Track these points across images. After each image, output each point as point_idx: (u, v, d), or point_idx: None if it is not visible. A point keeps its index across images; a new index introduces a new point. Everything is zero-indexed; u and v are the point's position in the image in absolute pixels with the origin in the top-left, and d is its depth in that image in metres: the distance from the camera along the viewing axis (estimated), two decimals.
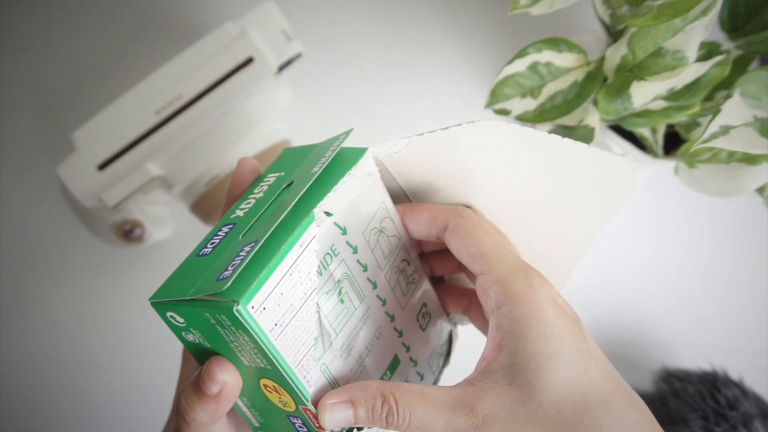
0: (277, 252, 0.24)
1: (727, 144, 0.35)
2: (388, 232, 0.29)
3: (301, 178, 0.27)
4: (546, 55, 0.41)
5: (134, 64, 0.55)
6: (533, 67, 0.41)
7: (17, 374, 0.54)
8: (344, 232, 0.27)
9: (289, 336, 0.24)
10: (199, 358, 0.26)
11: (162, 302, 0.24)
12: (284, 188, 0.27)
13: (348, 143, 0.29)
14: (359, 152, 0.28)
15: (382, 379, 0.29)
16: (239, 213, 0.27)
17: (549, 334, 0.24)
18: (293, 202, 0.25)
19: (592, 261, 0.56)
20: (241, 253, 0.23)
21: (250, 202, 0.27)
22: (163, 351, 0.54)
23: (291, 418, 0.26)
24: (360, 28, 0.57)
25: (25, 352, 0.54)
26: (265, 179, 0.29)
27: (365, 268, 0.28)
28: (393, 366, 0.30)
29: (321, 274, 0.26)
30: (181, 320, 0.24)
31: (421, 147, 0.29)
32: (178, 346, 0.54)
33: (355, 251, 0.28)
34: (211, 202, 0.47)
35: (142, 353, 0.54)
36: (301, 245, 0.24)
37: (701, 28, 0.37)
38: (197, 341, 0.25)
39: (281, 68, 0.47)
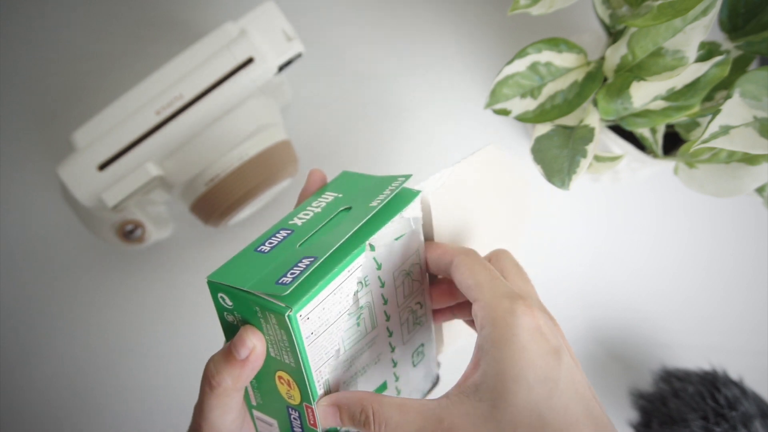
0: (330, 272, 0.27)
1: (727, 144, 0.35)
2: (413, 276, 0.32)
3: (360, 208, 0.30)
4: (546, 55, 0.41)
5: (134, 64, 0.55)
6: (533, 67, 0.41)
7: (17, 373, 0.54)
8: (379, 267, 0.30)
9: (319, 345, 0.28)
10: (231, 336, 0.29)
11: (219, 284, 0.27)
12: (341, 210, 0.30)
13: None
14: (412, 195, 0.31)
15: None
16: (297, 221, 0.30)
17: (518, 358, 0.26)
18: (352, 231, 0.28)
19: (592, 261, 0.56)
20: (300, 265, 0.27)
21: (308, 214, 0.31)
22: (163, 350, 0.54)
23: (290, 409, 0.29)
24: (360, 28, 0.57)
25: (25, 351, 0.54)
26: (323, 195, 0.32)
27: (385, 302, 0.31)
28: (380, 390, 0.33)
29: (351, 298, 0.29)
30: (230, 303, 0.28)
31: (459, 177, 0.32)
32: (179, 346, 0.54)
33: (383, 285, 0.30)
34: (211, 202, 0.47)
35: (141, 353, 0.54)
36: (349, 271, 0.28)
37: (701, 28, 0.37)
38: (236, 323, 0.28)
39: (281, 68, 0.47)
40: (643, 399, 0.52)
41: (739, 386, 0.48)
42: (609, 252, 0.56)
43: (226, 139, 0.46)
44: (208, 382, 0.28)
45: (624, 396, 0.54)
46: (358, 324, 0.30)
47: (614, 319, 0.56)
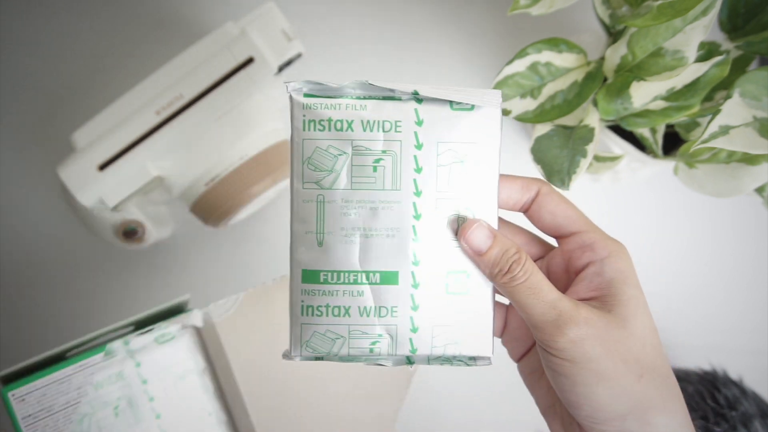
0: (56, 364, 0.34)
1: (727, 144, 0.35)
2: (468, 164, 0.29)
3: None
4: (546, 56, 0.41)
5: (134, 64, 0.55)
6: (533, 67, 0.41)
7: None
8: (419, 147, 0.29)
9: (40, 430, 0.33)
10: None
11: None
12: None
13: None
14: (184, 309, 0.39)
15: (366, 272, 0.29)
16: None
17: (640, 288, 0.29)
18: (95, 334, 0.36)
19: None
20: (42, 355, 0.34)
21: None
22: None
23: None
24: (360, 28, 0.57)
25: (25, 351, 0.54)
26: None
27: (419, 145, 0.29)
28: (387, 278, 0.29)
29: None
30: None
31: (252, 300, 0.38)
32: None
33: (420, 146, 0.29)
34: (211, 202, 0.47)
35: None
36: (81, 366, 0.34)
37: (701, 28, 0.37)
38: None
39: (281, 68, 0.47)
40: None
41: (739, 386, 0.48)
42: None
43: (226, 139, 0.46)
44: None
45: None
46: (374, 169, 0.28)
47: None
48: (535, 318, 0.27)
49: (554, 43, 0.41)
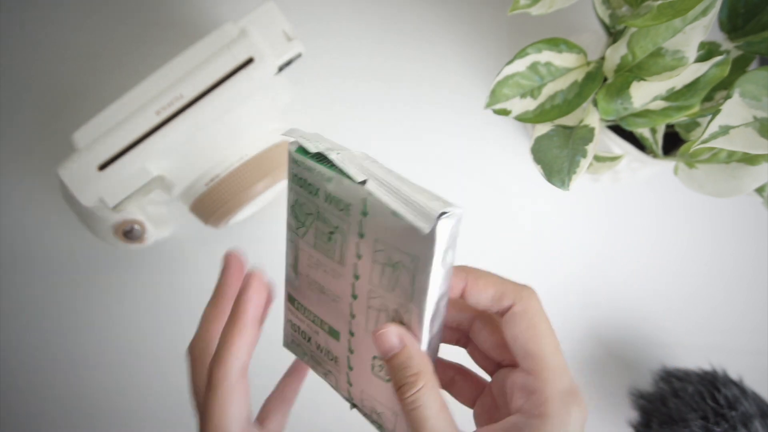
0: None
1: (727, 144, 0.35)
2: (398, 275, 0.27)
3: None
4: (546, 55, 0.41)
5: (134, 64, 0.55)
6: (533, 67, 0.41)
7: (17, 374, 0.54)
8: (365, 213, 0.27)
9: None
10: None
11: None
12: None
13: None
14: None
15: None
16: None
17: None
18: None
19: (592, 261, 0.56)
20: None
21: None
22: (162, 351, 0.54)
23: None
24: (360, 28, 0.57)
25: (25, 351, 0.54)
26: None
27: (359, 257, 0.28)
28: (332, 332, 0.31)
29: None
30: None
31: None
32: (178, 346, 0.54)
33: (362, 237, 0.28)
34: (211, 202, 0.47)
35: (141, 353, 0.54)
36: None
37: (701, 28, 0.37)
38: None
39: (281, 68, 0.47)
40: (643, 399, 0.52)
41: (739, 386, 0.49)
42: (609, 252, 0.56)
43: (226, 139, 0.46)
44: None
45: (624, 396, 0.54)
46: (329, 239, 0.29)
47: (614, 319, 0.56)
48: None
49: (554, 43, 0.41)
